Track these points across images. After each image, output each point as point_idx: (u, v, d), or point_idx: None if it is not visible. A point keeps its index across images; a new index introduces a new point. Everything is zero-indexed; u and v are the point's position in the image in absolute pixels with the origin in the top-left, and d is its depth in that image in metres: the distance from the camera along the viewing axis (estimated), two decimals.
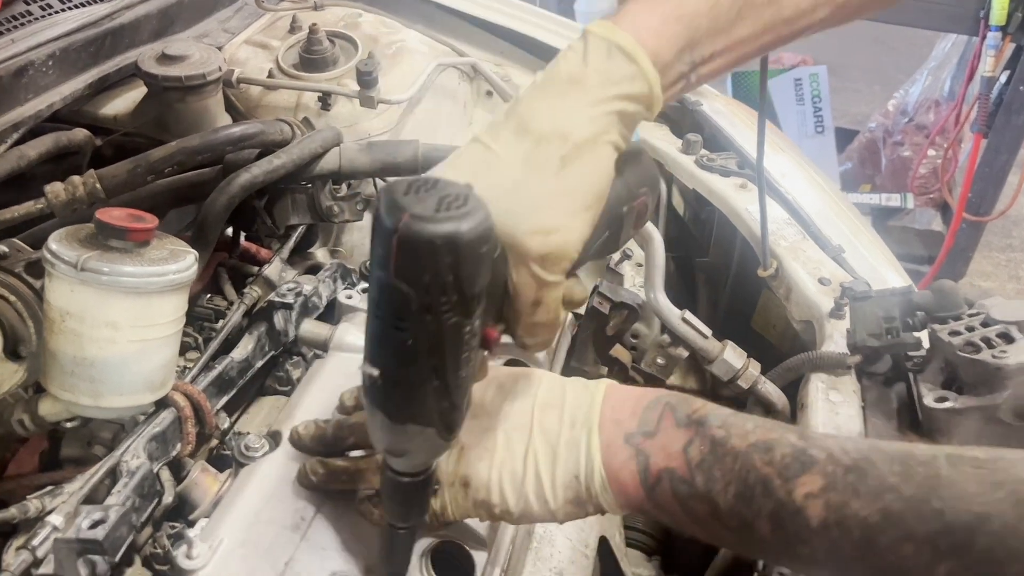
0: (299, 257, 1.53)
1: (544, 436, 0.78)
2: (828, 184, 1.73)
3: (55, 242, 0.91)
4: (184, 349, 1.18)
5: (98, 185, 1.03)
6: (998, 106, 3.02)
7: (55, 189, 1.03)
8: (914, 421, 1.20)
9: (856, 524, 0.64)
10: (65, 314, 0.90)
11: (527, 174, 0.69)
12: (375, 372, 0.65)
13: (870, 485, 0.65)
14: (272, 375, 1.24)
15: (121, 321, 0.91)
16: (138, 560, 0.97)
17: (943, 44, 3.93)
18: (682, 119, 1.83)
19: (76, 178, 1.05)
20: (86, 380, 0.93)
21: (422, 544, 0.90)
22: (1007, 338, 1.11)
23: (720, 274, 1.74)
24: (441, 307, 0.60)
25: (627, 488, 0.76)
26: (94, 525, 0.81)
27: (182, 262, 0.95)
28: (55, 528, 0.82)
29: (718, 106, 1.80)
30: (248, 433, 0.97)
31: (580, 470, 0.77)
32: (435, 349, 0.63)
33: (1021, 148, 3.11)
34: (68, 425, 1.03)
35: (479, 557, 0.93)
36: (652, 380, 1.60)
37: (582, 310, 1.41)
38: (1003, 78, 3.08)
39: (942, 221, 3.70)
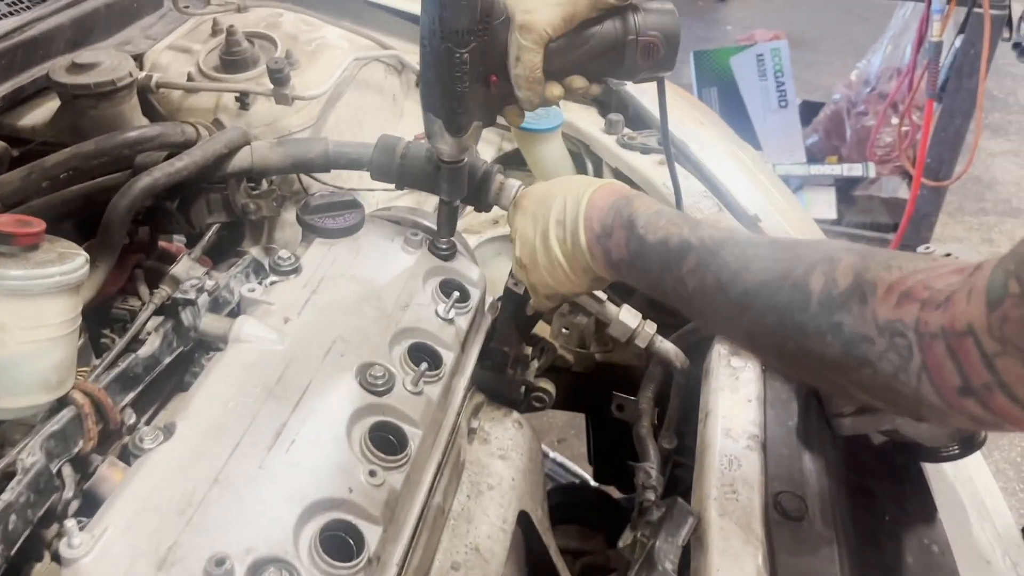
0: (231, 256, 1.56)
1: (559, 245, 1.11)
2: (751, 156, 1.75)
3: None
4: (102, 351, 1.22)
5: None
6: (950, 71, 3.03)
7: None
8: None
9: (708, 291, 0.92)
10: None
11: None
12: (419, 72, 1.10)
13: (717, 263, 0.91)
14: (190, 371, 1.27)
15: (9, 323, 0.94)
16: (47, 556, 1.01)
17: (902, 11, 3.93)
18: (608, 99, 1.85)
19: None
20: None
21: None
22: None
23: None
24: (439, 34, 0.99)
25: (608, 271, 1.08)
26: None
27: (69, 264, 0.98)
28: None
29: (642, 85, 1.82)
30: (141, 427, 0.99)
31: (584, 264, 1.09)
32: (436, 63, 1.02)
33: (975, 111, 3.12)
34: None
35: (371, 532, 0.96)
36: (580, 356, 1.64)
37: (503, 276, 1.44)
38: (957, 42, 3.09)
39: (907, 188, 3.71)
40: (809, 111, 4.24)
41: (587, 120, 1.79)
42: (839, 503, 1.08)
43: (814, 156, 4.01)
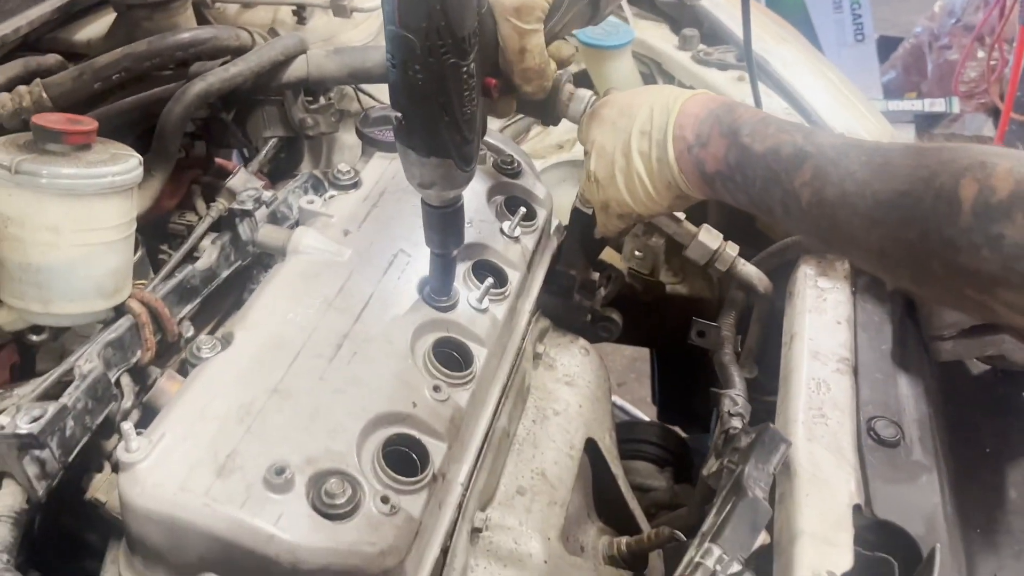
0: (287, 178, 1.52)
1: (641, 159, 1.01)
2: (837, 75, 1.64)
3: None
4: (160, 267, 1.18)
5: (44, 94, 1.02)
6: None
7: (1, 99, 1.03)
8: (909, 303, 1.14)
9: (827, 204, 0.82)
10: (6, 219, 0.90)
11: None
12: (399, 115, 0.82)
13: (840, 172, 0.81)
14: (248, 288, 1.23)
15: (61, 225, 0.90)
16: (108, 466, 0.99)
17: None
18: (681, 16, 1.75)
19: (22, 87, 1.04)
20: (33, 286, 0.93)
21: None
22: None
23: None
24: (440, 49, 0.75)
25: (698, 186, 0.99)
26: (33, 420, 0.81)
27: (123, 164, 0.94)
28: (0, 427, 0.83)
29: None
30: (199, 336, 0.96)
31: (668, 178, 1.00)
32: (441, 88, 0.78)
33: None
34: (35, 338, 1.04)
35: None
36: (650, 285, 1.56)
37: (567, 204, 1.37)
38: None
39: (993, 126, 3.50)
40: (886, 47, 4.03)
41: (659, 36, 1.70)
42: (937, 432, 1.00)
43: (892, 93, 3.81)
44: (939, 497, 0.91)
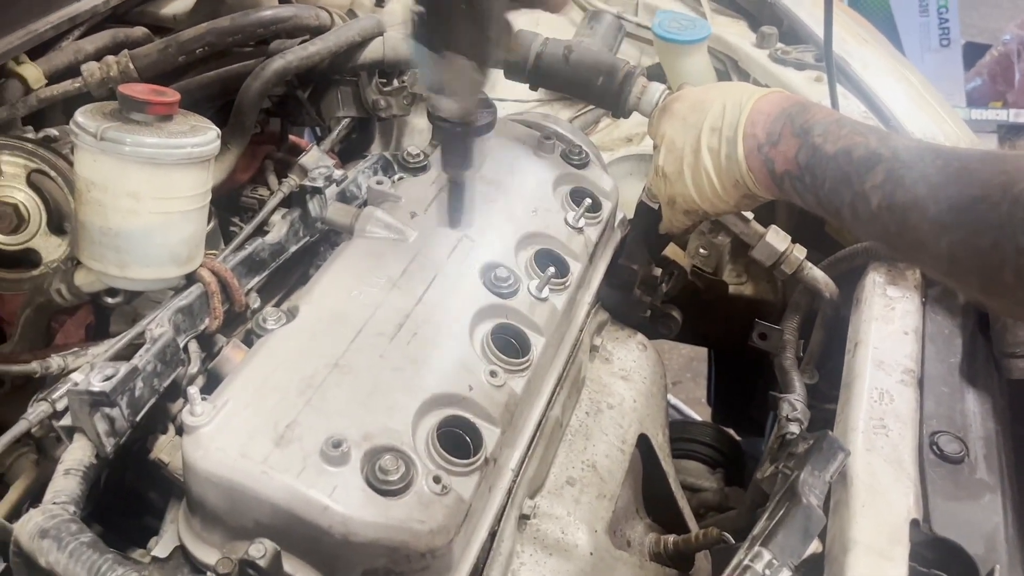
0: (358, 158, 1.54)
1: (710, 155, 1.01)
2: (918, 79, 1.59)
3: (81, 115, 0.94)
4: (231, 239, 1.21)
5: (130, 64, 1.06)
6: None
7: (90, 68, 1.06)
8: (982, 317, 1.11)
9: (898, 208, 0.81)
10: (90, 184, 0.94)
11: None
12: (420, 8, 0.81)
13: (913, 176, 0.80)
14: (314, 264, 1.26)
15: (142, 192, 0.93)
16: (172, 429, 1.02)
17: None
18: (760, 12, 1.71)
19: (110, 57, 1.07)
20: (112, 250, 0.96)
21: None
22: None
23: None
24: None
25: (767, 185, 0.99)
26: (105, 379, 0.84)
27: (202, 136, 0.96)
28: (75, 383, 0.86)
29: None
30: (265, 307, 0.98)
31: (736, 176, 1.00)
32: None
33: None
34: (110, 301, 1.08)
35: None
36: (712, 284, 1.55)
37: (634, 197, 1.36)
38: None
39: None
40: (973, 53, 3.89)
41: (736, 33, 1.67)
42: (1004, 450, 0.97)
43: (976, 102, 3.68)
44: (1001, 517, 0.88)
